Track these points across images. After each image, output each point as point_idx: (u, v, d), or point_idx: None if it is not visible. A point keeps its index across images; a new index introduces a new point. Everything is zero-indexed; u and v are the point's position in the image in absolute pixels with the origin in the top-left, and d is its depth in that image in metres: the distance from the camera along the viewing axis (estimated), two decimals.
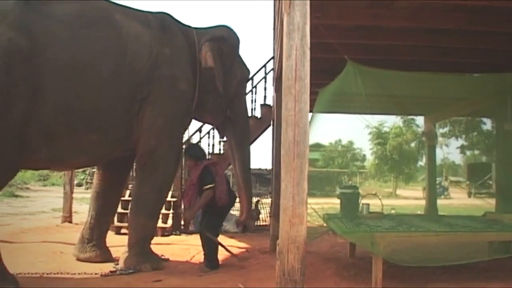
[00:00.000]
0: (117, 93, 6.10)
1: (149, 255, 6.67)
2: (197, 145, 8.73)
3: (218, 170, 6.97)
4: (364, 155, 46.21)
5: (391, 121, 33.44)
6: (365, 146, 54.82)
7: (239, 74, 7.45)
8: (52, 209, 16.54)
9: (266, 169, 33.10)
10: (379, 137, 34.61)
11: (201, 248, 7.13)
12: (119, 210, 9.02)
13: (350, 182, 34.67)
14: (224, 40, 7.19)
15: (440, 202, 13.24)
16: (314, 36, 4.83)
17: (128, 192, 10.35)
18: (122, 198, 9.07)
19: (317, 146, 37.96)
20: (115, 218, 9.06)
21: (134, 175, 7.42)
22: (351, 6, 5.90)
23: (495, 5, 5.52)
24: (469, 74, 7.77)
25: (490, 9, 6.00)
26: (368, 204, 7.35)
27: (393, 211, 8.66)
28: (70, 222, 11.82)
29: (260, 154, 53.16)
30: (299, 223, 4.21)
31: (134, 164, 7.09)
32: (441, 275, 5.93)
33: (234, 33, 7.50)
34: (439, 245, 6.28)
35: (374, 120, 25.97)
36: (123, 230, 9.51)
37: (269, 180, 32.92)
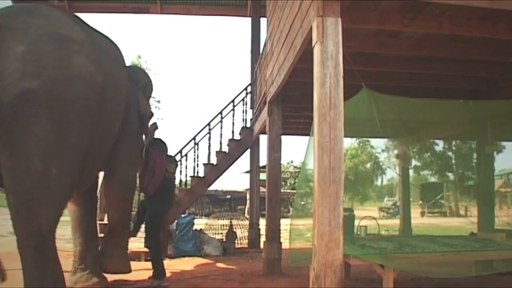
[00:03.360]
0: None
1: None
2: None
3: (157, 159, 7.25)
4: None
5: (346, 142, 34.05)
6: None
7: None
8: (10, 232, 15.96)
9: (221, 191, 33.13)
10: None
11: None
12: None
13: (303, 203, 34.82)
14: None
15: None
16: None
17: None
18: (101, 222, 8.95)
19: None
20: None
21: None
22: (359, 34, 6.05)
23: (487, 37, 5.76)
24: (464, 100, 8.06)
25: (486, 40, 6.25)
26: (366, 226, 7.48)
27: (385, 232, 8.83)
28: None
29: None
30: (335, 247, 4.28)
31: None
32: None
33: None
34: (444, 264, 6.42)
35: None
36: None
37: (223, 201, 33.14)
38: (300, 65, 6.03)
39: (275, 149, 8.13)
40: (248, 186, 31.07)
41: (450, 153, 32.11)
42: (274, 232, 8.11)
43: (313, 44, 4.55)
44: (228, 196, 32.88)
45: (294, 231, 8.61)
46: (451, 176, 34.79)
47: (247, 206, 33.06)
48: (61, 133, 4.77)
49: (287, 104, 8.25)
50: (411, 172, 12.85)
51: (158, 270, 7.22)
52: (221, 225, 12.97)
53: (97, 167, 6.29)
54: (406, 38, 6.37)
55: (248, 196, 32.81)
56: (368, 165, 34.69)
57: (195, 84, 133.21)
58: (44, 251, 4.65)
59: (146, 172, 7.15)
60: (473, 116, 7.79)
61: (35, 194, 4.62)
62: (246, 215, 32.02)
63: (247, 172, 27.46)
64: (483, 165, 9.15)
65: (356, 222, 8.69)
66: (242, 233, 12.51)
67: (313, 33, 4.55)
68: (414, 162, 35.54)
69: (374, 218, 8.99)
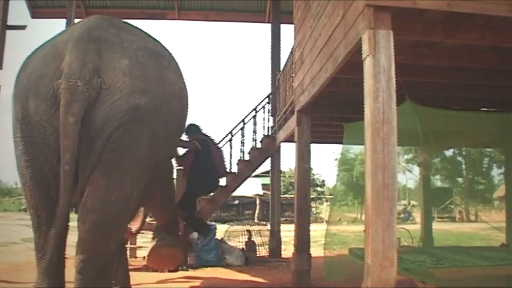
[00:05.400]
0: None
1: None
2: None
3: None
4: (324, 180, 46.76)
5: (356, 147, 33.93)
6: (323, 171, 55.37)
7: None
8: (22, 239, 15.97)
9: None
10: (345, 163, 34.95)
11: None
12: None
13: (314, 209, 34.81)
14: None
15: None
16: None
17: None
18: None
19: None
20: None
21: None
22: (397, 44, 5.95)
23: None
24: (496, 110, 8.01)
25: None
26: (399, 238, 7.37)
27: (418, 244, 8.73)
28: None
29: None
30: (389, 266, 4.16)
31: None
32: None
33: None
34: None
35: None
36: None
37: (231, 206, 33.08)
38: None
39: (304, 159, 8.01)
40: (256, 191, 31.53)
41: (460, 158, 32.08)
42: (303, 243, 7.99)
43: (363, 57, 4.44)
44: (237, 202, 32.73)
45: (330, 237, 8.56)
46: (460, 181, 34.75)
47: (257, 211, 33.25)
48: (151, 156, 4.64)
49: (315, 113, 8.14)
50: (419, 176, 12.72)
51: (203, 229, 8.36)
52: (240, 231, 12.87)
53: None
54: (444, 48, 6.27)
55: (257, 202, 33.10)
56: None
57: (213, 90, 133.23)
58: (105, 273, 4.48)
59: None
60: (504, 126, 7.73)
61: (117, 218, 4.50)
62: (255, 220, 32.13)
63: (256, 176, 27.56)
64: None
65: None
66: (258, 239, 12.40)
67: (363, 46, 4.44)
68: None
69: (407, 230, 8.87)
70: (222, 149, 8.61)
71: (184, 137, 7.59)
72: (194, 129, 8.23)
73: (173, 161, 7.00)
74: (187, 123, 7.90)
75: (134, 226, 7.20)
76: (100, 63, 4.25)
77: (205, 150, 7.97)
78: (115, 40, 4.50)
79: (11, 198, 46.26)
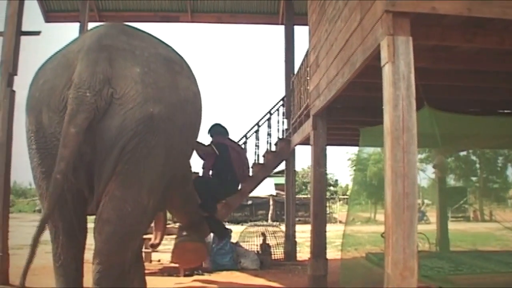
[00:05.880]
0: None
1: None
2: None
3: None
4: (337, 180, 46.67)
5: (370, 147, 33.72)
6: (336, 171, 55.23)
7: None
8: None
9: None
10: (358, 163, 34.74)
11: None
12: None
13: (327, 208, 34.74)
14: None
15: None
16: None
17: None
18: None
19: None
20: None
21: None
22: (414, 48, 5.89)
23: None
24: None
25: None
26: (418, 245, 7.29)
27: (435, 249, 8.67)
28: None
29: None
30: (410, 276, 4.13)
31: None
32: None
33: None
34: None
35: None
36: None
37: (243, 206, 33.09)
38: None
39: (320, 163, 7.96)
40: (270, 192, 31.50)
41: (474, 157, 31.74)
42: (319, 248, 7.94)
43: (382, 63, 4.39)
44: (250, 202, 32.68)
45: (345, 238, 8.50)
46: (475, 180, 34.40)
47: (270, 212, 33.23)
48: (167, 165, 4.56)
49: (331, 117, 8.09)
50: (433, 175, 12.63)
51: (221, 232, 8.25)
52: (254, 232, 12.83)
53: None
54: (462, 52, 6.18)
55: (271, 202, 33.08)
56: None
57: (226, 93, 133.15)
58: (122, 283, 4.44)
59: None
60: None
61: (134, 228, 4.46)
62: (269, 221, 32.10)
63: (269, 176, 27.53)
64: None
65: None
66: (273, 240, 12.35)
67: (382, 52, 4.39)
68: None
69: (424, 234, 8.78)
70: (245, 151, 8.42)
71: (207, 137, 7.64)
72: (216, 130, 8.25)
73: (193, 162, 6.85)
74: (213, 123, 8.24)
75: (155, 236, 7.19)
76: (111, 72, 4.19)
77: (223, 154, 7.90)
78: (126, 47, 4.44)
79: (25, 199, 46.49)
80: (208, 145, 7.96)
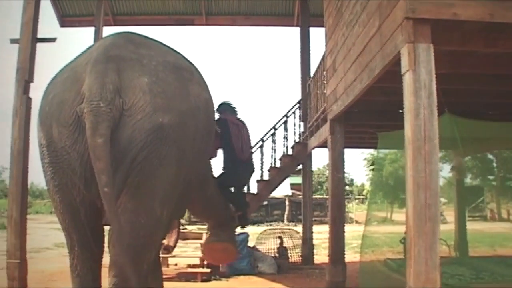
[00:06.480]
0: None
1: None
2: None
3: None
4: (352, 180, 46.53)
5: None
6: (352, 170, 55.07)
7: None
8: (55, 244, 16.09)
9: None
10: (375, 163, 34.67)
11: None
12: None
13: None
14: None
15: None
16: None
17: None
18: None
19: None
20: None
21: None
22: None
23: None
24: None
25: None
26: None
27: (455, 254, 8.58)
28: None
29: None
30: None
31: None
32: None
33: None
34: None
35: None
36: None
37: (259, 207, 33.06)
38: None
39: (338, 169, 7.88)
40: (285, 192, 31.48)
41: (491, 156, 31.45)
42: (338, 253, 7.85)
43: (403, 71, 4.31)
44: (265, 202, 32.64)
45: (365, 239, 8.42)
46: (492, 179, 34.08)
47: (286, 212, 33.21)
48: (180, 174, 4.50)
49: (348, 121, 8.01)
50: (449, 173, 12.52)
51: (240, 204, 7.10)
52: (271, 233, 12.78)
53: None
54: (482, 56, 6.08)
55: (287, 202, 33.07)
56: None
57: (242, 97, 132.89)
58: None
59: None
60: None
61: (148, 240, 4.39)
62: (285, 221, 32.06)
63: None
64: None
65: None
66: (289, 241, 12.31)
67: (402, 60, 4.31)
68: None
69: (444, 240, 8.68)
70: (245, 124, 7.13)
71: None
72: (224, 108, 7.27)
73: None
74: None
75: (169, 239, 7.12)
76: (120, 83, 4.13)
77: (224, 132, 6.84)
78: (133, 57, 4.36)
79: (42, 200, 46.78)
80: None
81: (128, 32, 4.95)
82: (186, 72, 4.75)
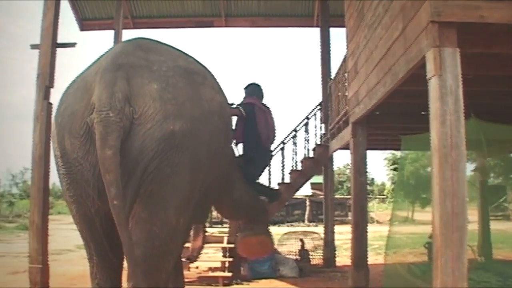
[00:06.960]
0: None
1: None
2: None
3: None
4: (373, 179, 46.29)
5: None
6: (372, 169, 54.79)
7: None
8: (76, 246, 16.16)
9: None
10: (395, 162, 34.54)
11: None
12: None
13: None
14: None
15: None
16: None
17: None
18: None
19: None
20: None
21: None
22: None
23: None
24: None
25: None
26: None
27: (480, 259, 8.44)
28: None
29: None
30: None
31: None
32: None
33: None
34: None
35: None
36: None
37: None
38: None
39: (360, 172, 7.78)
40: (305, 192, 31.36)
41: None
42: (361, 258, 7.75)
43: (428, 77, 4.21)
44: (286, 202, 32.59)
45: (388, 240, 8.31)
46: None
47: (307, 212, 33.12)
48: (195, 181, 4.41)
49: (371, 124, 7.90)
50: (471, 173, 12.31)
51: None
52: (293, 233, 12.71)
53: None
54: (507, 58, 5.94)
55: (307, 203, 32.97)
56: (429, 169, 33.83)
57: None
58: None
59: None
60: None
61: (164, 249, 4.31)
62: (305, 221, 31.97)
63: None
64: None
65: None
66: (310, 243, 12.21)
67: (428, 65, 4.22)
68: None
69: (470, 246, 8.51)
70: (270, 110, 6.88)
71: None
72: (252, 90, 7.01)
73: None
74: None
75: (193, 248, 7.05)
76: (129, 91, 4.05)
77: (250, 118, 6.62)
78: (142, 64, 4.28)
79: (64, 201, 47.10)
80: (236, 106, 6.66)
81: (139, 38, 4.88)
82: (198, 76, 4.65)
